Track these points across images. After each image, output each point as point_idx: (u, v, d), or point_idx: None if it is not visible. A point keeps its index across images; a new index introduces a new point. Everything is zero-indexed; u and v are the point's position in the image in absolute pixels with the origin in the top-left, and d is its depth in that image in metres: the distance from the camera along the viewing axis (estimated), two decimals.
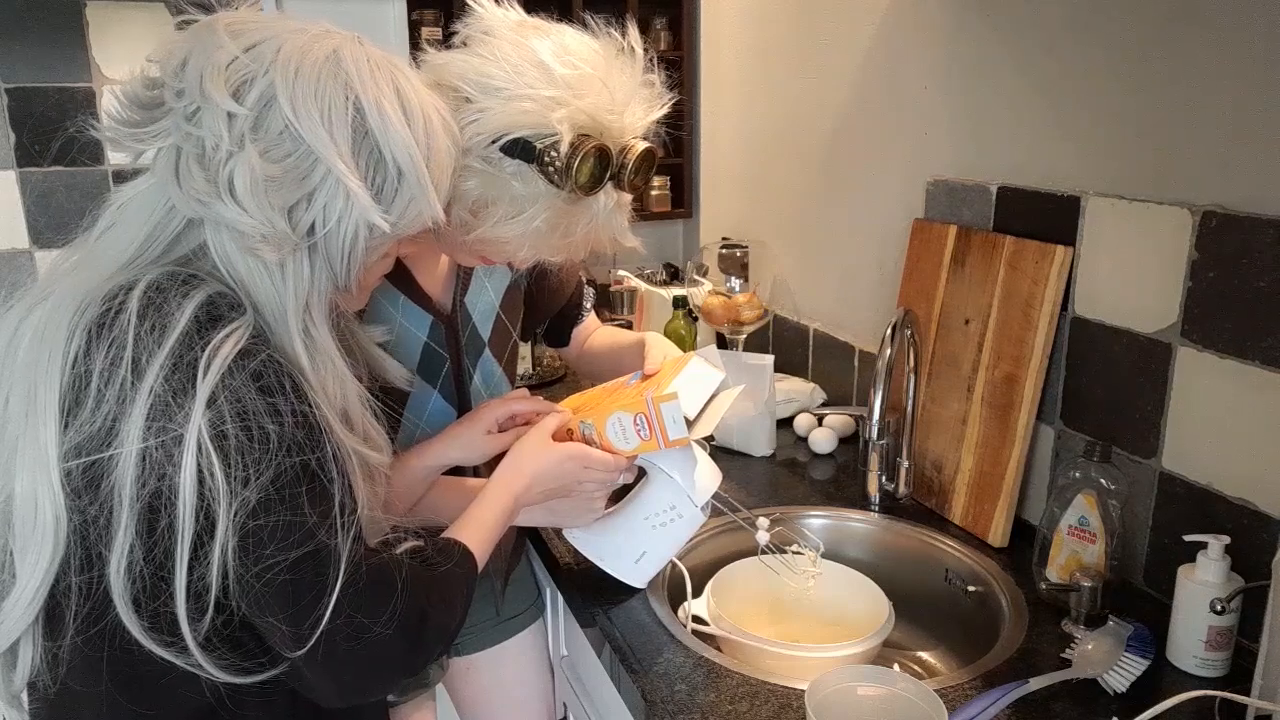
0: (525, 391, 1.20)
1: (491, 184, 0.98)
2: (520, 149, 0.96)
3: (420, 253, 1.19)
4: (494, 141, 0.96)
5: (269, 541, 0.73)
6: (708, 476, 1.14)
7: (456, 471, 1.15)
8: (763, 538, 1.20)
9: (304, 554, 0.74)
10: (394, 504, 1.06)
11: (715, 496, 1.15)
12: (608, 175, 0.99)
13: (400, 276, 1.16)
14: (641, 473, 1.15)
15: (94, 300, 0.74)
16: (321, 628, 0.75)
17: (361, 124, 0.78)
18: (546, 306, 1.39)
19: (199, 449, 0.71)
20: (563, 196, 0.98)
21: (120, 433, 0.71)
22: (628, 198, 1.04)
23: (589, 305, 1.46)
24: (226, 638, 0.77)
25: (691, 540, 1.29)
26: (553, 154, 0.95)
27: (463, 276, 1.23)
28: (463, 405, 1.22)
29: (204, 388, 0.71)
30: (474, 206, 1.00)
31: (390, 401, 1.17)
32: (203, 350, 0.72)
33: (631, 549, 1.15)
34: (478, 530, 0.97)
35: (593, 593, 1.18)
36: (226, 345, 0.73)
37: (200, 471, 0.71)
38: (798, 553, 1.23)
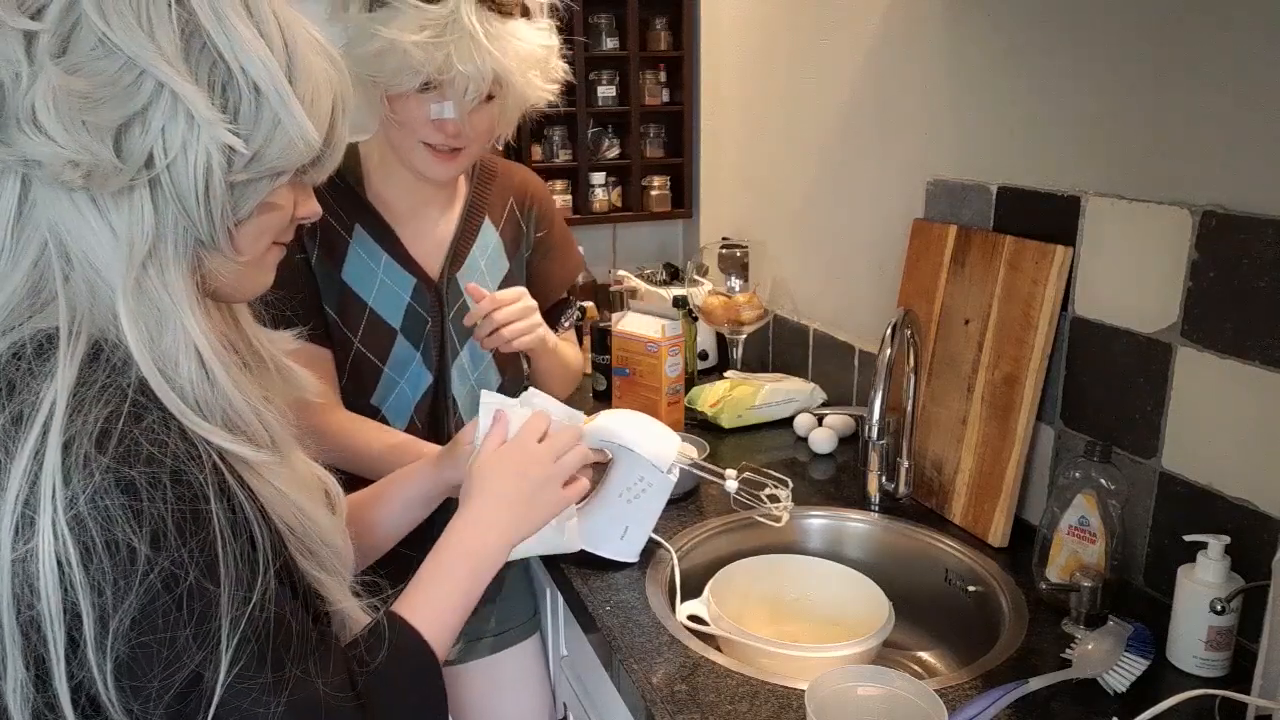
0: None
1: (368, 34, 1.09)
2: None
3: (409, 214, 1.26)
4: (361, 12, 1.10)
5: (147, 667, 0.64)
6: (665, 441, 1.20)
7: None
8: (731, 486, 1.24)
9: (182, 685, 0.65)
10: (367, 539, 0.99)
11: (681, 459, 1.20)
12: None
13: (384, 235, 1.25)
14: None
15: None
16: None
17: (192, 25, 0.65)
18: (534, 297, 1.41)
19: (59, 563, 0.62)
20: (415, 6, 1.08)
21: None
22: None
23: (567, 324, 1.47)
24: None
25: (691, 539, 1.30)
26: None
27: (458, 251, 1.29)
28: (441, 373, 1.28)
29: (60, 487, 0.62)
30: (368, 67, 1.10)
31: (372, 355, 1.22)
32: (63, 439, 0.62)
33: (615, 527, 1.20)
34: (430, 602, 0.84)
35: (592, 592, 1.18)
36: (78, 423, 0.63)
37: (65, 590, 0.62)
38: (771, 495, 1.26)
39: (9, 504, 0.62)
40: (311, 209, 0.78)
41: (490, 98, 1.16)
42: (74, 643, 0.64)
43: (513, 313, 1.21)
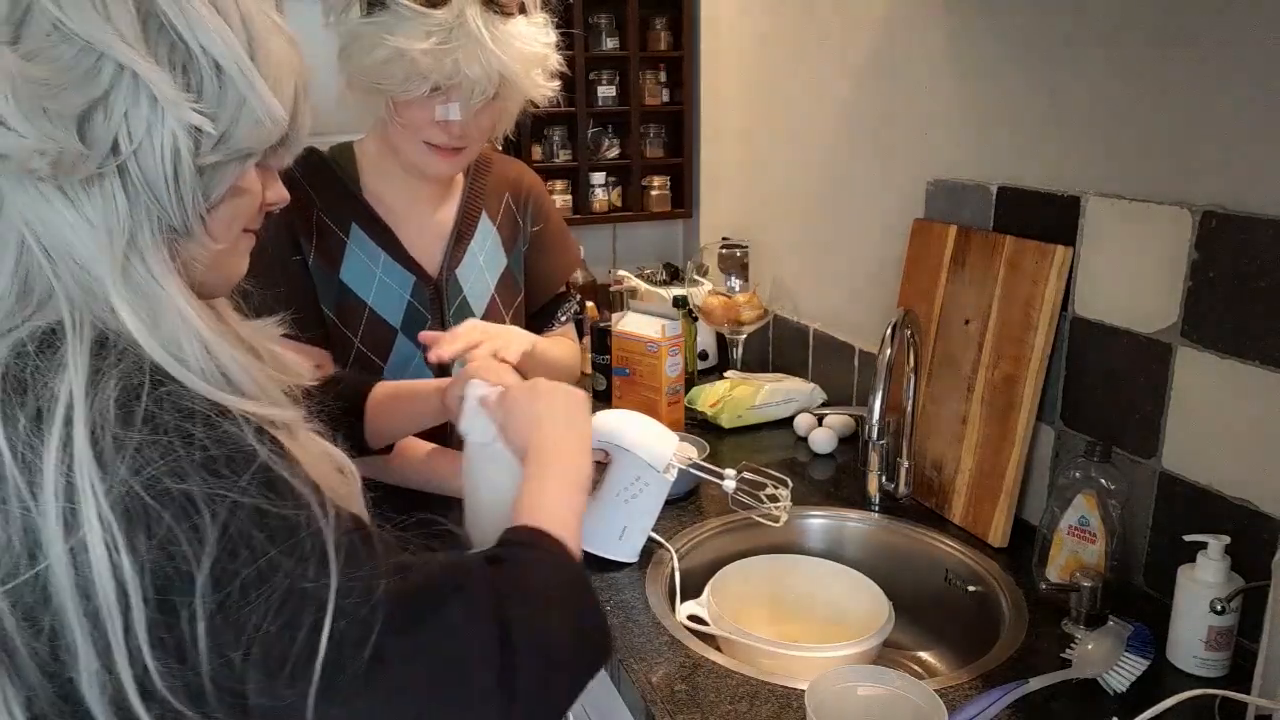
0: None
1: (373, 42, 1.09)
2: (374, 2, 1.09)
3: (406, 211, 1.27)
4: (359, 17, 1.10)
5: (248, 604, 0.63)
6: (663, 441, 1.20)
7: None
8: (729, 485, 1.24)
9: (282, 600, 0.64)
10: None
11: (679, 459, 1.21)
12: None
13: (382, 235, 1.25)
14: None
15: None
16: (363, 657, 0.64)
17: (148, 6, 0.64)
18: (532, 292, 1.41)
19: (109, 549, 0.61)
20: (419, 12, 1.07)
21: (42, 546, 0.62)
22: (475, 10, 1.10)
23: (564, 319, 1.45)
24: None
25: (691, 539, 1.30)
26: None
27: (456, 248, 1.30)
28: (443, 370, 1.26)
29: (97, 475, 0.61)
30: (375, 75, 1.11)
31: (372, 354, 1.23)
32: (88, 428, 0.62)
33: (613, 528, 1.21)
34: (538, 504, 0.83)
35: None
36: (98, 408, 0.62)
37: (121, 572, 0.61)
38: (771, 494, 1.26)
39: (50, 500, 0.61)
40: (280, 194, 0.77)
41: (494, 97, 1.16)
42: (128, 626, 0.62)
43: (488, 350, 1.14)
